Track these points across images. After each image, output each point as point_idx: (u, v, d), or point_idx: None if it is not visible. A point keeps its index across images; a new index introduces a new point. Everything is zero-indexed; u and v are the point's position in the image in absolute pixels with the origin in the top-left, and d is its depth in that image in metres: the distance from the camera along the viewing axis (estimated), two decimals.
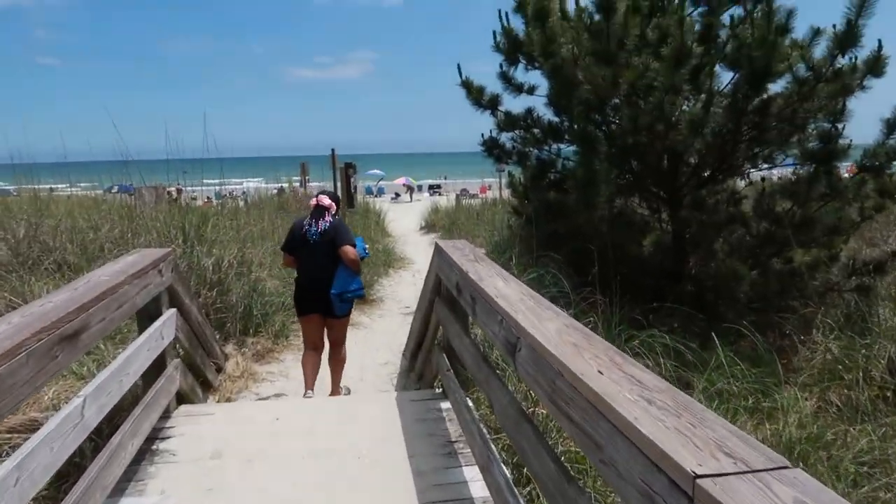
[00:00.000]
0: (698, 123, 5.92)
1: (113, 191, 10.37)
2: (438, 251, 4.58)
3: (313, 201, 5.13)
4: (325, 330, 5.12)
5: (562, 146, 7.94)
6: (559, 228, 7.69)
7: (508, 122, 7.79)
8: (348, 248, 4.86)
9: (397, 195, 39.52)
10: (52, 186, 11.35)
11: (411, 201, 37.21)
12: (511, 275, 3.56)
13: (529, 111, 7.71)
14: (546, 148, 7.92)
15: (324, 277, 4.86)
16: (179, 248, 6.24)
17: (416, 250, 13.06)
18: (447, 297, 4.39)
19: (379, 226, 15.96)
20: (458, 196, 24.89)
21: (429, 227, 17.76)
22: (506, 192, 21.94)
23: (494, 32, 7.44)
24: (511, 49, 7.20)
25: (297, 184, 21.89)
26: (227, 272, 6.17)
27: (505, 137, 7.96)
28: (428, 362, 5.18)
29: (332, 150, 15.72)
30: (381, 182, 44.42)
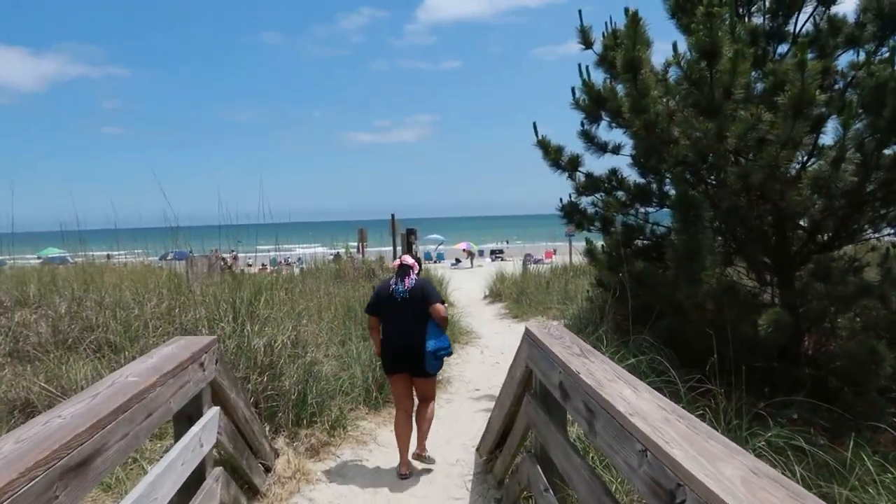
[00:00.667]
0: (824, 181, 5.05)
1: (168, 258, 10.06)
2: (529, 338, 3.80)
3: (396, 262, 5.29)
4: (414, 389, 5.21)
5: (650, 209, 7.14)
6: (652, 302, 6.81)
7: (589, 184, 7.07)
8: (439, 306, 4.96)
9: (458, 261, 38.94)
10: (109, 253, 11.12)
11: (472, 267, 36.51)
12: (634, 376, 2.75)
13: (614, 172, 6.98)
14: (632, 212, 7.12)
15: (412, 335, 4.91)
16: (229, 325, 5.64)
17: (482, 323, 12.25)
18: (542, 396, 3.58)
19: (441, 295, 15.30)
20: (524, 262, 24.01)
21: (494, 295, 16.97)
22: (577, 258, 21.15)
23: (573, 89, 6.80)
24: (593, 106, 6.52)
25: (354, 250, 21.60)
26: (280, 354, 5.51)
27: (585, 202, 7.20)
28: (513, 472, 4.33)
29: (392, 215, 15.28)
30: (440, 247, 44.02)
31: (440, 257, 42.38)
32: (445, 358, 5.18)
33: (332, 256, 23.21)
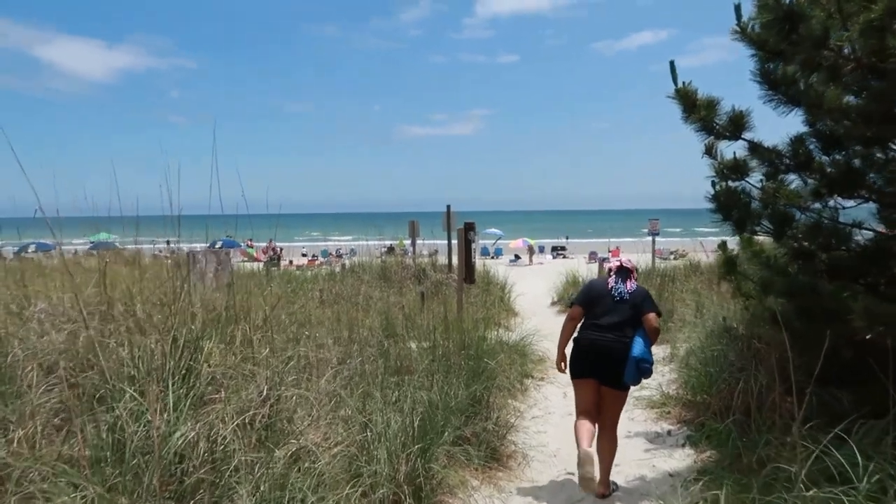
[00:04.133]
0: None
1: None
2: None
3: (614, 263, 4.85)
4: (600, 402, 4.64)
5: (849, 203, 4.57)
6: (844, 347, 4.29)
7: (758, 155, 4.51)
8: (655, 316, 4.58)
9: (517, 257, 36.39)
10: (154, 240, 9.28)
11: (531, 264, 33.98)
12: None
13: (800, 141, 4.40)
14: (820, 207, 4.55)
15: (618, 339, 4.49)
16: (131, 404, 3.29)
17: (555, 340, 9.69)
18: None
19: (504, 302, 12.79)
20: (599, 262, 21.12)
21: (566, 301, 14.41)
22: (645, 259, 18.39)
23: (737, 6, 4.24)
24: (777, 28, 3.94)
25: (408, 243, 19.34)
26: (229, 453, 3.13)
27: (749, 187, 4.66)
28: None
29: (448, 206, 12.89)
30: (498, 241, 41.49)
31: (498, 252, 39.87)
32: (643, 379, 4.62)
33: (384, 250, 21.16)
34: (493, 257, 36.80)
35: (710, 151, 5.21)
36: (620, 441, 4.88)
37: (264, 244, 39.57)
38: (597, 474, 4.22)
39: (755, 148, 4.67)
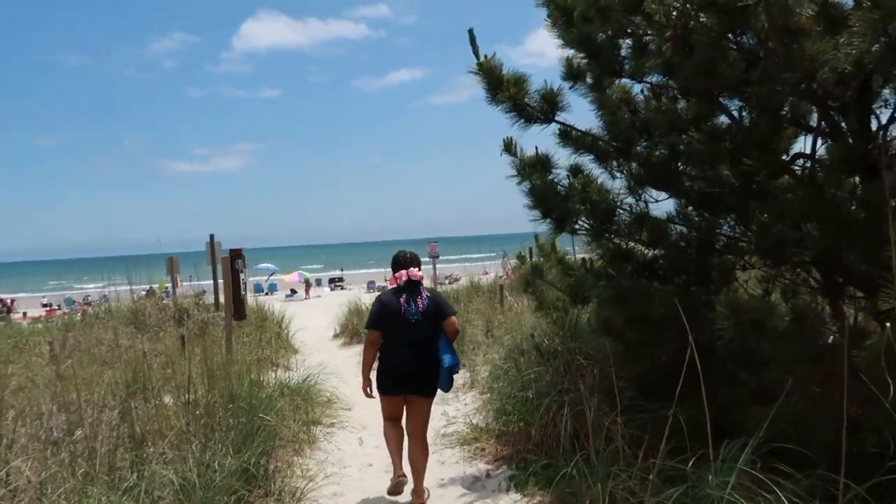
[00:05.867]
0: None
1: None
2: None
3: (402, 275, 4.61)
4: (407, 413, 4.67)
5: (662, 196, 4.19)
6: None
7: (572, 142, 3.92)
8: (454, 319, 4.61)
9: (293, 291, 34.59)
10: None
11: (308, 298, 32.50)
12: None
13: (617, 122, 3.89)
14: (637, 200, 4.11)
15: (427, 359, 4.48)
16: None
17: (343, 377, 8.60)
18: None
19: (282, 339, 11.39)
20: (379, 288, 20.45)
21: (349, 333, 13.39)
22: (427, 284, 17.98)
23: None
24: None
25: (168, 287, 16.95)
26: None
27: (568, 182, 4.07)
28: None
29: (211, 235, 11.22)
30: (272, 277, 39.26)
31: (273, 288, 37.66)
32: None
33: (143, 293, 18.48)
34: (267, 293, 34.57)
35: (508, 148, 4.61)
36: (433, 491, 4.67)
37: None
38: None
39: (567, 133, 4.12)
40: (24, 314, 28.26)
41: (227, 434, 4.32)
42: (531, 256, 5.53)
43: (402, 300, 4.54)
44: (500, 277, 18.05)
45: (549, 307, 5.53)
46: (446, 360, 4.40)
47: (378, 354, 4.63)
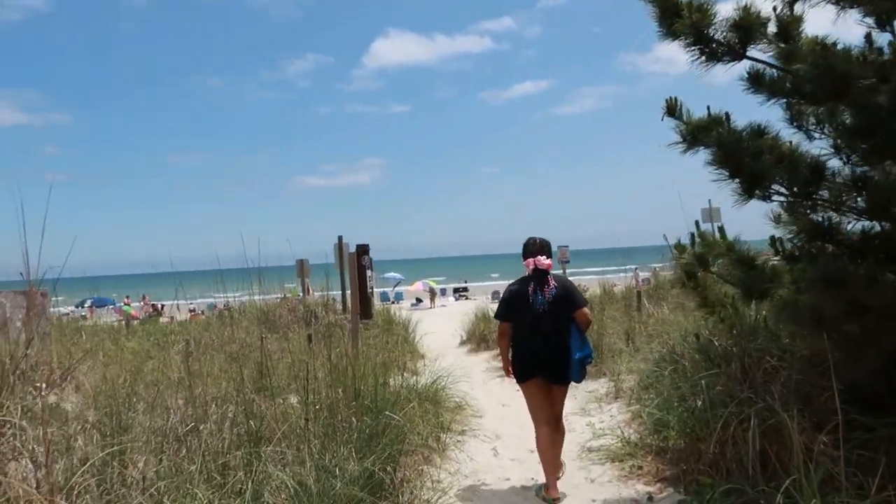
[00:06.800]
0: None
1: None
2: None
3: (530, 263, 4.59)
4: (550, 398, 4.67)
5: None
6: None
7: (768, 87, 3.13)
8: (586, 311, 4.57)
9: (418, 300, 34.83)
10: None
11: (433, 307, 32.52)
12: None
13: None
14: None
15: (555, 343, 4.44)
16: None
17: (474, 385, 8.06)
18: None
19: (409, 343, 11.05)
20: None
21: (476, 340, 12.88)
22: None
23: None
24: None
25: (300, 294, 17.18)
26: None
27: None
28: None
29: (339, 237, 11.11)
30: (397, 287, 39.77)
31: (399, 297, 38.08)
32: None
33: (277, 300, 19.02)
34: (393, 302, 35.01)
35: (672, 111, 3.89)
36: None
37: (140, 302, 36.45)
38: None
39: (758, 77, 3.30)
40: (172, 318, 30.17)
41: (350, 435, 3.88)
42: (692, 245, 4.72)
43: (529, 289, 4.54)
44: (633, 288, 16.94)
45: (713, 304, 4.70)
46: (576, 350, 4.40)
47: (511, 343, 4.67)
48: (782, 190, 3.26)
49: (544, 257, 4.56)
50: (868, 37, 3.42)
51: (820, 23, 3.48)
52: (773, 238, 3.49)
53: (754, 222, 4.24)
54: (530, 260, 4.58)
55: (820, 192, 3.18)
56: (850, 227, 3.27)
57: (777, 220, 3.43)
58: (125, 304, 34.78)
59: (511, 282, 4.89)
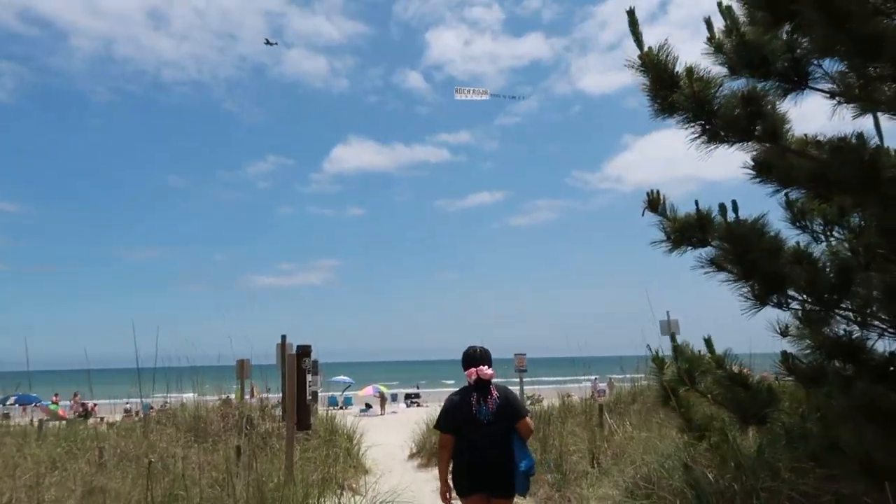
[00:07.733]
0: None
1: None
2: None
3: (472, 373, 4.49)
4: None
5: None
6: None
7: (774, 175, 2.71)
8: (528, 421, 4.52)
9: (368, 406, 33.36)
10: None
11: (383, 413, 31.11)
12: None
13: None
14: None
15: (499, 455, 4.36)
16: None
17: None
18: None
19: (352, 457, 10.06)
20: None
21: (427, 453, 11.92)
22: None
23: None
24: None
25: (248, 395, 15.98)
26: None
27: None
28: None
29: (283, 336, 10.34)
30: (346, 391, 38.23)
31: (348, 402, 36.49)
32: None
33: (219, 402, 17.83)
34: (341, 407, 33.45)
35: (654, 206, 3.48)
36: None
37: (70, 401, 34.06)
38: None
39: (766, 164, 2.87)
40: (102, 419, 28.27)
41: None
42: (676, 360, 4.18)
43: (473, 399, 4.44)
44: (590, 399, 16.29)
45: (701, 429, 4.13)
46: (523, 464, 4.33)
47: (452, 456, 4.53)
48: (796, 296, 2.79)
49: (486, 366, 4.49)
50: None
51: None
52: (784, 354, 2.97)
53: (718, 331, 3.85)
54: (472, 370, 4.49)
55: (846, 301, 2.71)
56: (871, 343, 2.79)
57: (784, 332, 2.94)
58: (53, 403, 32.49)
59: (452, 392, 4.67)
